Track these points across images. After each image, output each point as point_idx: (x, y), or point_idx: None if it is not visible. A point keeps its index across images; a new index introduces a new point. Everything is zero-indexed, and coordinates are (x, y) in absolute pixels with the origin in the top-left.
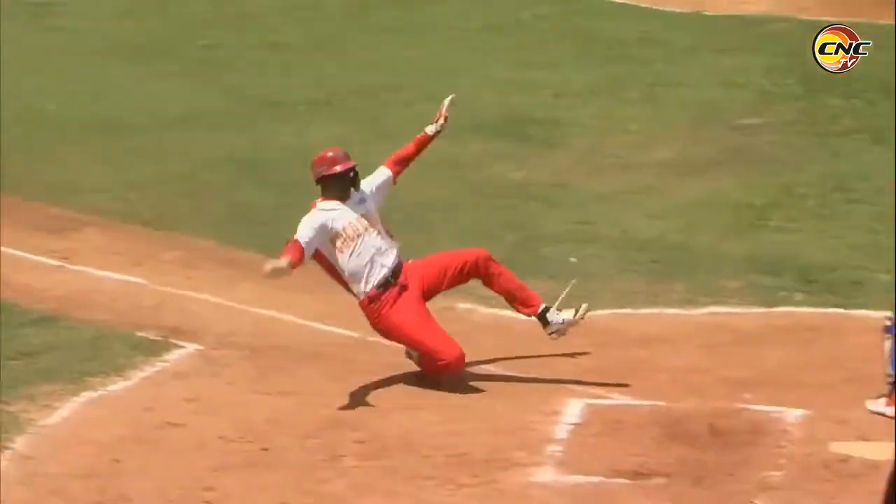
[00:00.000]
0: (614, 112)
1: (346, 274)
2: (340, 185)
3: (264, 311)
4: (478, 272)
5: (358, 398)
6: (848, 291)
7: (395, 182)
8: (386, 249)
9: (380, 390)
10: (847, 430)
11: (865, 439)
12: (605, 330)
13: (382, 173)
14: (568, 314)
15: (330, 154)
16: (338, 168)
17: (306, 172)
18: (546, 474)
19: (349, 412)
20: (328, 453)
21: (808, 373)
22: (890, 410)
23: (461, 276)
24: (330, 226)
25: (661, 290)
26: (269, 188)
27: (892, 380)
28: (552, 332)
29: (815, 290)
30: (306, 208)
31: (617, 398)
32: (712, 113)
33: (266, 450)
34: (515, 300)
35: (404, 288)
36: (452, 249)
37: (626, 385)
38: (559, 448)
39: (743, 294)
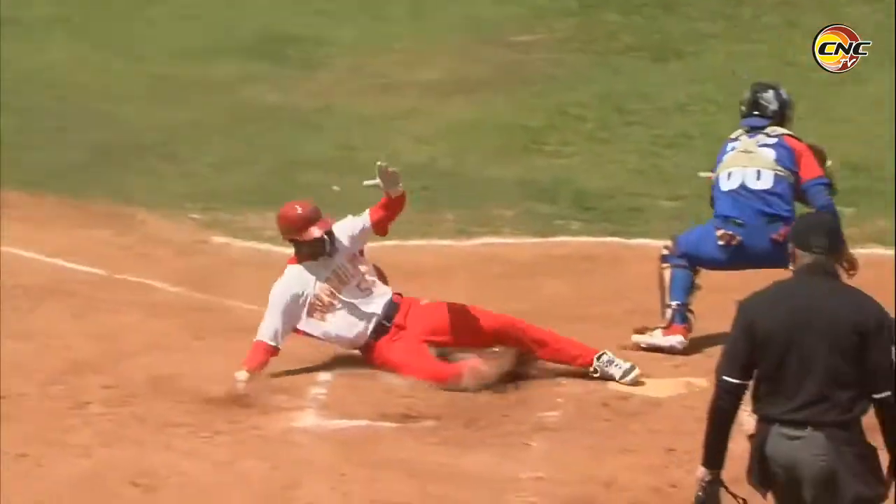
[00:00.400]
0: (378, 30)
1: (334, 340)
2: (317, 249)
3: (1, 248)
4: (512, 342)
5: (103, 340)
6: (627, 219)
7: (375, 230)
8: (369, 298)
9: (127, 331)
10: None
11: (646, 376)
12: (375, 263)
13: (361, 221)
14: (616, 369)
15: (299, 212)
16: (315, 233)
17: (47, 96)
18: (308, 419)
19: (94, 355)
20: (72, 400)
21: (586, 305)
22: (668, 341)
23: (488, 342)
24: (301, 298)
25: (431, 220)
26: (6, 113)
27: (674, 310)
28: (594, 371)
29: (592, 218)
30: (49, 137)
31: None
32: (482, 30)
33: (4, 398)
34: (565, 357)
35: (401, 328)
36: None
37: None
38: (323, 391)
39: (517, 223)
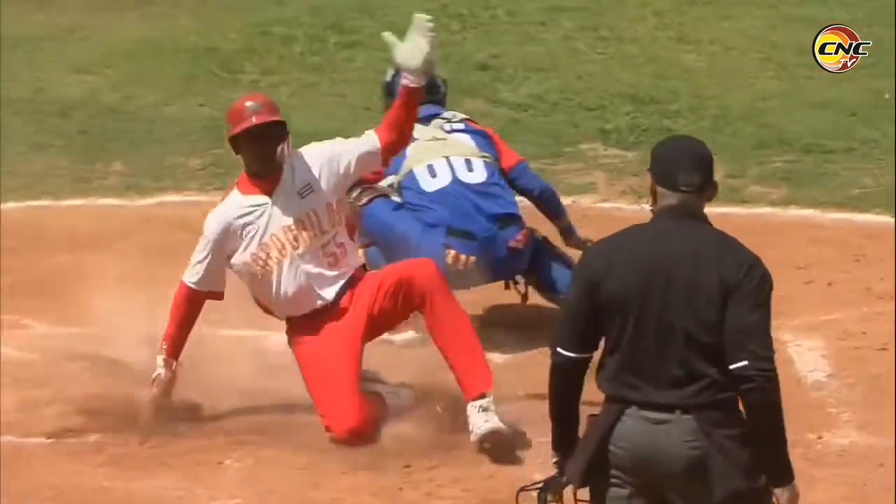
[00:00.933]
0: None
1: (264, 302)
2: (258, 154)
3: None
4: (419, 302)
5: None
6: None
7: (385, 159)
8: (330, 273)
9: None
10: None
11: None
12: (17, 230)
13: (366, 144)
14: (483, 421)
15: (247, 103)
16: (251, 120)
17: None
18: None
19: None
20: None
21: None
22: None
23: (400, 302)
24: (241, 238)
25: (92, 172)
26: None
27: None
28: (472, 435)
29: None
30: None
31: (32, 323)
32: None
33: None
34: (454, 369)
35: (344, 312)
36: None
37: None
38: None
39: (206, 176)
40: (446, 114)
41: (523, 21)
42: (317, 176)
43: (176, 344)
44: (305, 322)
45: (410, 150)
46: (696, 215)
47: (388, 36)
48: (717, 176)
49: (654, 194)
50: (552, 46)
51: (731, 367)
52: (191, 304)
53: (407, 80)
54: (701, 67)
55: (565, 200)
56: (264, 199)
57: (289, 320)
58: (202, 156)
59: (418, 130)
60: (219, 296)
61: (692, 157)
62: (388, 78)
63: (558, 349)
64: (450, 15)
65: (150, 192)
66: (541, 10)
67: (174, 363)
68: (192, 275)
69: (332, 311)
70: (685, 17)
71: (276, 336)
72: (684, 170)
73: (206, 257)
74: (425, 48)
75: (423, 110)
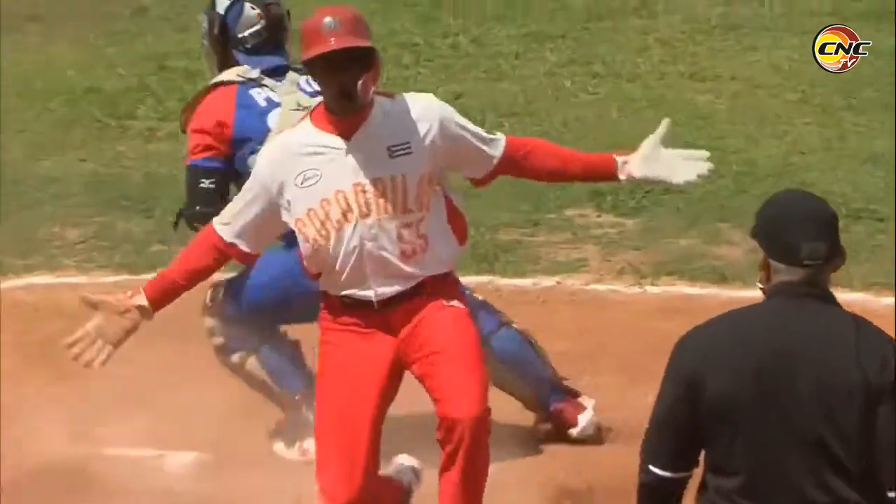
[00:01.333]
0: None
1: (315, 272)
2: (332, 87)
3: None
4: (444, 439)
5: None
6: None
7: (488, 175)
8: (399, 266)
9: None
10: None
11: None
12: None
13: (492, 145)
14: None
15: (325, 20)
16: (330, 43)
17: None
18: None
19: None
20: None
21: (183, 381)
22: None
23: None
24: (291, 186)
25: None
26: None
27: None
28: None
29: None
30: None
31: None
32: None
33: None
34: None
35: (397, 329)
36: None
37: None
38: None
39: (88, 250)
40: (296, 68)
41: (493, 53)
42: (421, 135)
43: (162, 284)
44: (347, 315)
45: (273, 120)
46: (822, 294)
47: (667, 126)
48: (742, 250)
49: (765, 269)
50: (530, 84)
51: (892, 494)
52: (206, 252)
53: (626, 172)
54: (720, 111)
55: (548, 281)
56: (339, 141)
57: (326, 297)
58: (83, 225)
59: (273, 88)
60: (247, 258)
61: (814, 221)
62: (223, 10)
63: (649, 466)
64: (400, 44)
65: (16, 272)
66: (516, 39)
67: (145, 303)
68: (224, 214)
69: (380, 320)
70: (699, 47)
71: (176, 457)
72: (807, 237)
73: (248, 193)
74: (680, 181)
75: (268, 60)
